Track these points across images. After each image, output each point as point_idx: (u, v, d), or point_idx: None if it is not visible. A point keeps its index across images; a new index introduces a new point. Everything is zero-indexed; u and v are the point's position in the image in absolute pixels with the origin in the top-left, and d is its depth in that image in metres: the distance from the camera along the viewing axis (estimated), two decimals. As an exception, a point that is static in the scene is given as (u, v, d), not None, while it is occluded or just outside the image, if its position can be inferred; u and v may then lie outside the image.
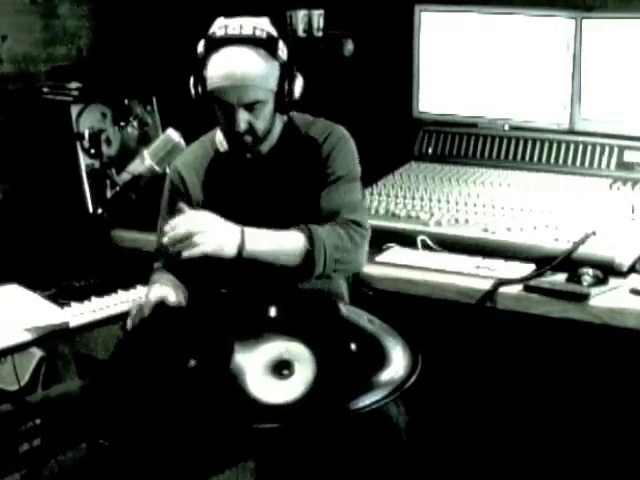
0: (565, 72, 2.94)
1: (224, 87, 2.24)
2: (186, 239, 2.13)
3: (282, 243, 2.24)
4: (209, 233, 2.15)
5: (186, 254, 2.13)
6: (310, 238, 2.24)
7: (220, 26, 2.26)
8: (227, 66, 2.23)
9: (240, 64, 2.22)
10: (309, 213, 2.35)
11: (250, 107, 2.25)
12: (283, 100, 2.30)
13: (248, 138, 2.30)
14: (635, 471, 2.67)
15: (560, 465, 2.80)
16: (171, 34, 3.46)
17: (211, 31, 2.28)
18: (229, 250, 2.18)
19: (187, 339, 2.16)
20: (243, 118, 2.25)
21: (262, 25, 2.26)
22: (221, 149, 2.43)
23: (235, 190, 2.39)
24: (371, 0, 3.24)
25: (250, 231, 2.22)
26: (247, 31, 2.24)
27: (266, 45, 2.25)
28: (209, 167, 2.43)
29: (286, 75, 2.29)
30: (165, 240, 2.16)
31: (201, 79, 2.28)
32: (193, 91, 2.31)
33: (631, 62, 2.83)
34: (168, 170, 2.44)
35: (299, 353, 2.09)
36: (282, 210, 2.35)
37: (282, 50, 2.28)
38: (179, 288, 2.33)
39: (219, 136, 2.44)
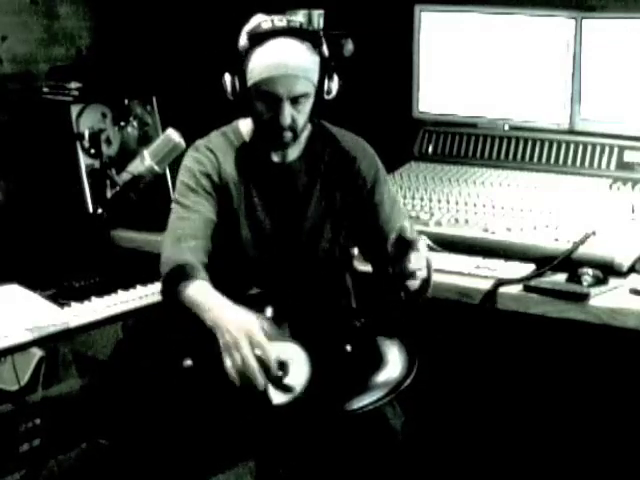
0: (565, 72, 2.94)
1: (274, 77, 2.19)
2: None
3: None
4: None
5: None
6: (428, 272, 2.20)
7: (264, 20, 2.23)
8: (278, 56, 2.20)
9: (292, 54, 2.20)
10: (337, 226, 2.36)
11: (296, 100, 2.22)
12: (322, 96, 2.28)
13: (288, 134, 2.25)
14: (635, 471, 2.67)
15: (560, 465, 2.80)
16: (171, 34, 3.46)
17: (252, 26, 2.24)
18: None
19: (185, 339, 2.15)
20: (289, 112, 2.22)
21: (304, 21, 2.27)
22: (249, 143, 2.37)
23: (261, 192, 2.35)
24: (371, 0, 3.24)
25: None
26: (295, 24, 2.23)
27: (312, 39, 2.24)
28: (236, 160, 2.36)
29: (326, 71, 2.27)
30: None
31: (241, 73, 2.24)
32: (230, 87, 2.26)
33: (631, 62, 2.83)
34: (194, 153, 2.39)
35: (295, 354, 2.09)
36: (309, 220, 2.35)
37: (324, 46, 2.27)
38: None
39: (245, 130, 2.38)
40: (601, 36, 2.87)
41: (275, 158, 2.34)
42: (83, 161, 2.97)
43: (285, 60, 2.19)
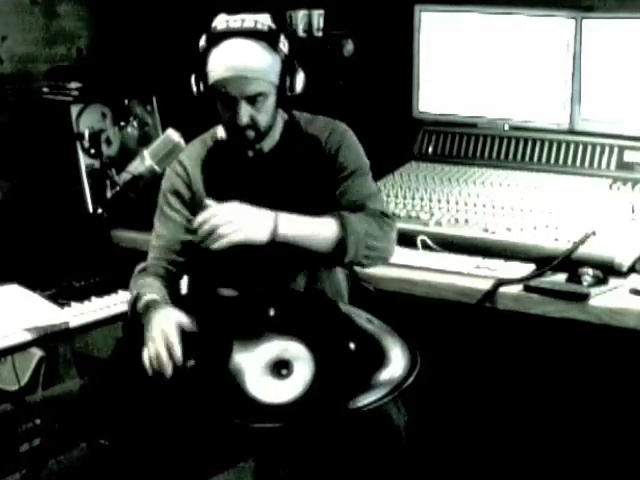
0: (565, 72, 2.94)
1: (226, 79, 2.22)
2: (213, 232, 2.13)
3: (315, 228, 2.23)
4: (237, 222, 2.14)
5: (215, 246, 2.12)
6: (342, 224, 2.23)
7: (221, 21, 2.27)
8: (229, 58, 2.23)
9: (242, 56, 2.22)
10: (315, 212, 2.35)
11: (252, 100, 2.24)
12: (285, 94, 2.29)
13: (250, 133, 2.28)
14: (635, 471, 2.67)
15: (560, 465, 2.80)
16: (171, 34, 3.46)
17: (212, 26, 2.28)
18: (262, 235, 2.17)
19: (186, 339, 2.16)
20: (246, 111, 2.24)
21: (263, 19, 2.27)
22: (223, 146, 2.41)
23: (238, 189, 2.36)
24: (371, 0, 3.24)
25: (283, 215, 2.20)
26: (248, 24, 2.24)
27: (267, 38, 2.25)
28: (211, 163, 2.40)
29: (287, 69, 2.28)
30: (196, 237, 2.15)
31: (202, 74, 2.27)
32: (195, 87, 2.30)
33: (631, 62, 2.83)
34: (168, 170, 2.43)
35: (298, 353, 2.10)
36: (287, 210, 2.35)
37: (283, 44, 2.28)
38: (168, 301, 2.30)
39: (220, 133, 2.42)
40: (601, 36, 2.87)
41: (250, 153, 2.36)
42: (83, 161, 2.97)
43: (236, 62, 2.22)
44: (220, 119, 2.35)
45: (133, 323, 2.28)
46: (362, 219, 2.28)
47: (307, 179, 2.36)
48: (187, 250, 2.35)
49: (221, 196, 2.35)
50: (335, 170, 2.36)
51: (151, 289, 2.28)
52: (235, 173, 2.38)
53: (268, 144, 2.37)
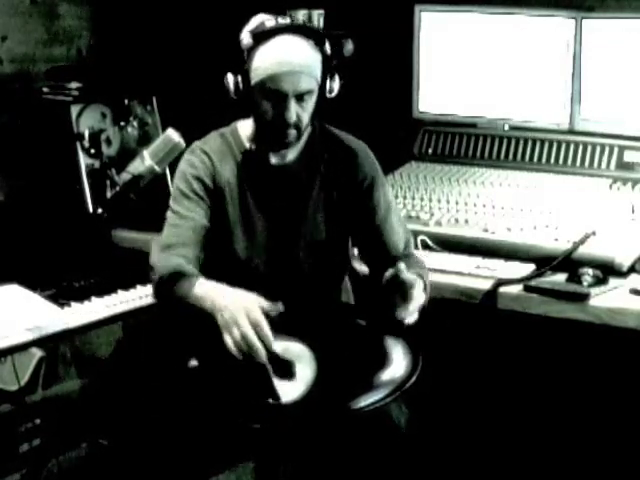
0: (565, 72, 2.94)
1: (279, 74, 2.19)
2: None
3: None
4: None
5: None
6: (424, 284, 2.24)
7: (267, 18, 2.24)
8: (284, 53, 2.20)
9: (297, 51, 2.21)
10: (335, 227, 2.36)
11: (301, 97, 2.22)
12: (324, 95, 2.28)
13: (293, 132, 2.25)
14: (635, 471, 2.67)
15: (560, 465, 2.80)
16: (171, 34, 3.46)
17: (255, 24, 2.24)
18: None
19: (188, 339, 2.16)
20: (294, 109, 2.22)
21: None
22: (248, 146, 2.36)
23: (258, 195, 2.34)
24: (371, 0, 3.25)
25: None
26: (298, 21, 2.25)
27: (315, 37, 2.24)
28: (232, 163, 2.35)
29: (328, 69, 2.27)
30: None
31: (244, 72, 2.23)
32: (233, 86, 2.25)
33: (631, 62, 2.83)
34: (190, 156, 2.38)
35: (300, 353, 2.10)
36: (308, 220, 2.34)
37: (327, 44, 2.27)
38: None
39: (244, 132, 2.38)
40: (601, 36, 2.87)
41: (273, 160, 2.34)
42: (83, 161, 2.97)
43: (290, 57, 2.20)
44: (258, 118, 2.29)
45: (163, 297, 2.22)
46: (425, 272, 2.31)
47: (329, 193, 2.35)
48: (206, 239, 2.29)
49: (237, 199, 2.34)
50: (368, 205, 2.36)
51: (192, 271, 2.17)
52: (256, 180, 2.35)
53: (291, 153, 2.34)
